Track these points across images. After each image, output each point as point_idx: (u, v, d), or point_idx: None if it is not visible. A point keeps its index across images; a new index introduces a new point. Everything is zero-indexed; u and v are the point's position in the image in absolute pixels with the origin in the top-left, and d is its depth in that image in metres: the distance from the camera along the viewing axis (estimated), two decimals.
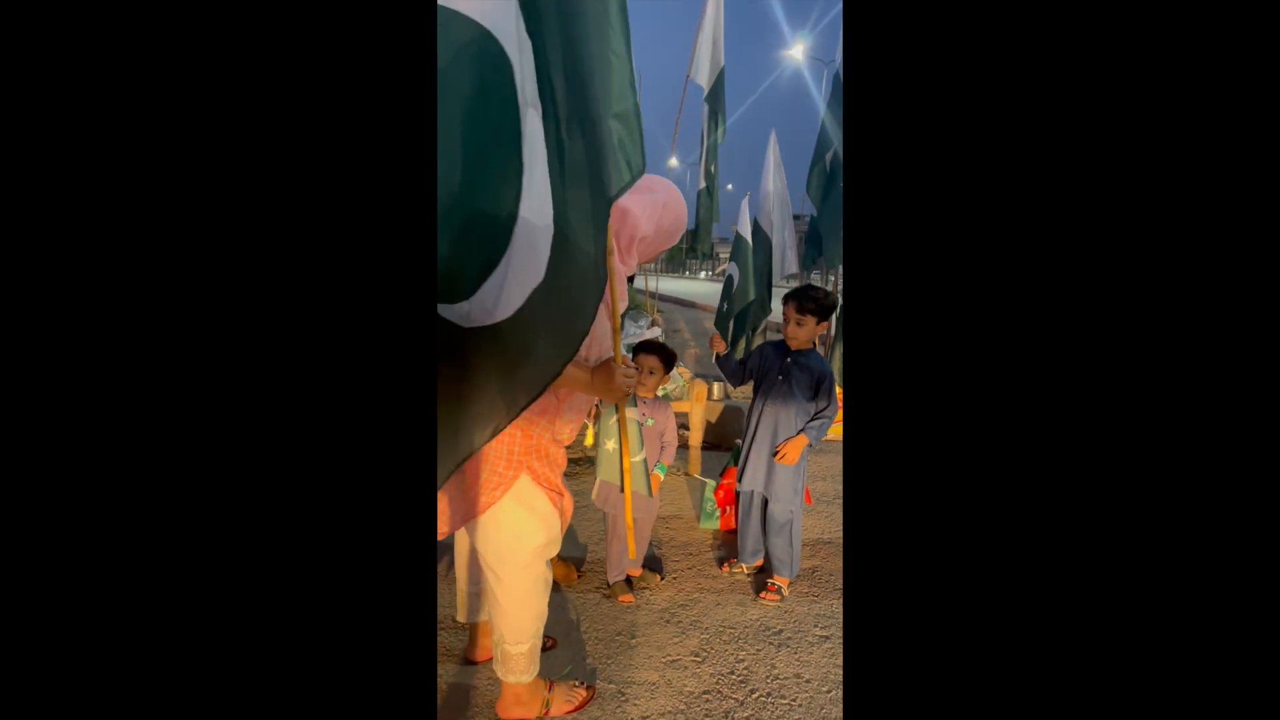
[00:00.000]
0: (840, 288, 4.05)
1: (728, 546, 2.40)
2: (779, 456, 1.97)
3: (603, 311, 1.35)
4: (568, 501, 1.47)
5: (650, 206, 1.41)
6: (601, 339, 1.38)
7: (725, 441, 3.62)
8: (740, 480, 2.10)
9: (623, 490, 1.58)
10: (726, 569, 2.19)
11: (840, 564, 2.30)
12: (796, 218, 4.28)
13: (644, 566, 2.13)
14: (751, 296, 3.68)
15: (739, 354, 3.99)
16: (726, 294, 3.89)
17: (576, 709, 1.50)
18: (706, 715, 1.51)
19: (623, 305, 1.45)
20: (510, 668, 1.43)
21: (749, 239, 3.62)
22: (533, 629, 1.42)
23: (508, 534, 1.35)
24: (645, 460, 1.71)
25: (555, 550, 1.43)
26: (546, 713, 1.47)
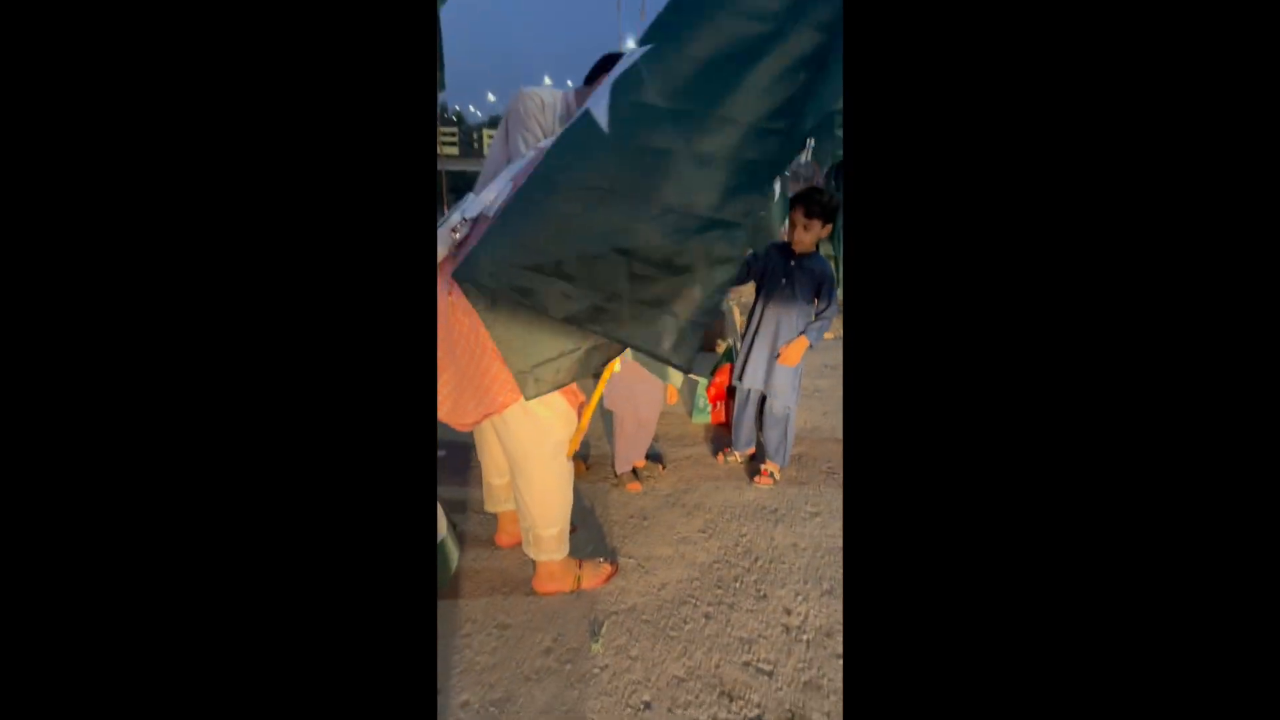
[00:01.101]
0: (820, 184, 4.06)
1: (719, 439, 2.57)
2: (780, 359, 2.09)
3: None
4: (581, 399, 1.57)
5: None
6: None
7: (708, 343, 3.75)
8: (740, 378, 2.22)
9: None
10: (721, 458, 2.37)
11: (824, 450, 2.51)
12: None
13: (647, 458, 2.29)
14: (776, 198, 3.63)
15: None
16: None
17: (605, 581, 1.68)
18: (719, 580, 1.71)
19: None
20: (543, 548, 1.59)
21: None
22: (560, 513, 1.57)
23: (531, 430, 1.46)
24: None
25: (575, 443, 1.56)
26: (579, 585, 1.65)
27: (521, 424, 1.46)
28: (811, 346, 2.09)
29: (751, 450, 2.36)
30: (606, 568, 1.71)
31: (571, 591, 1.65)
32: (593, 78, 1.82)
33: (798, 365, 2.12)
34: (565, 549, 1.62)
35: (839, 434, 2.66)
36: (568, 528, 1.61)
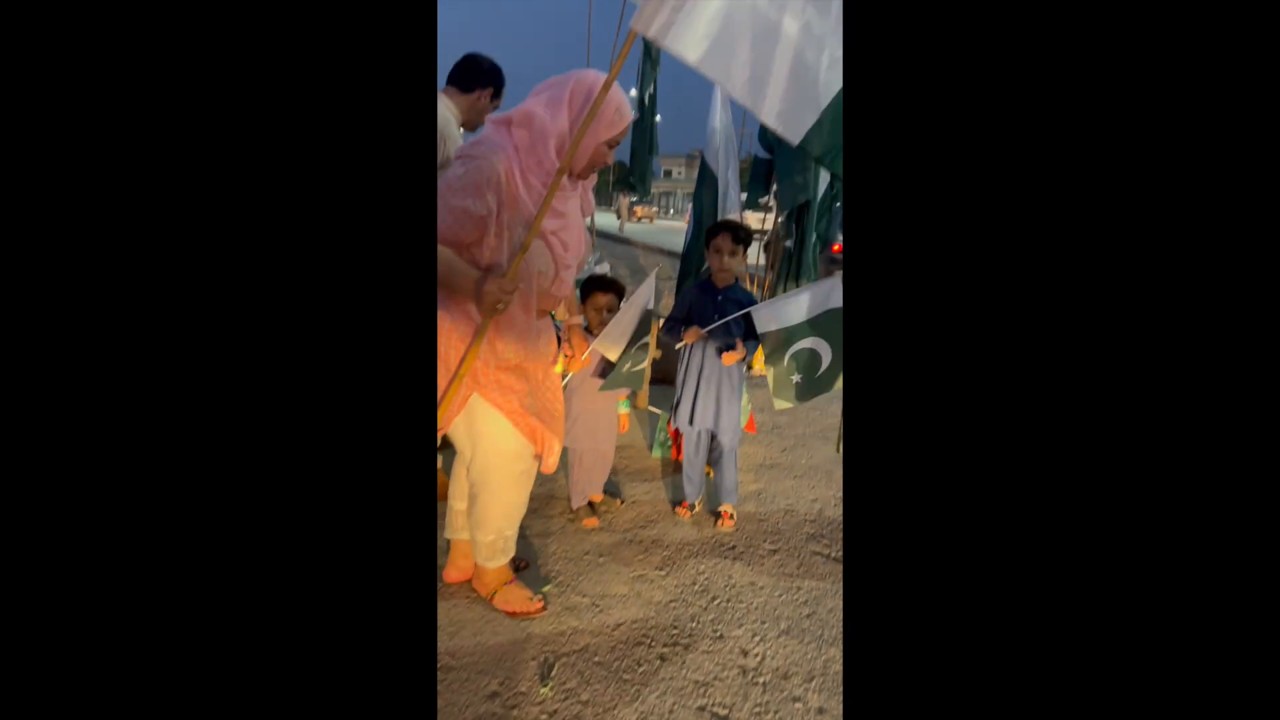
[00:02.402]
0: (778, 226, 4.16)
1: (679, 478, 2.52)
2: (724, 354, 2.04)
3: (508, 221, 1.33)
4: (540, 427, 1.52)
5: (551, 102, 1.33)
6: (509, 251, 1.35)
7: (669, 376, 3.74)
8: (691, 421, 2.14)
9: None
10: (685, 513, 2.22)
11: (782, 487, 2.51)
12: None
13: (604, 492, 2.24)
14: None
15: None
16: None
17: (515, 613, 1.63)
18: (675, 620, 1.67)
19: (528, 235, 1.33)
20: (479, 552, 1.62)
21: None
22: (495, 524, 1.57)
23: (479, 445, 1.51)
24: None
25: (525, 461, 1.55)
26: (492, 599, 1.65)
27: (463, 437, 1.51)
28: (746, 358, 2.06)
29: (702, 497, 2.30)
30: (530, 604, 1.63)
31: (490, 600, 1.65)
32: (455, 77, 1.99)
33: (737, 398, 2.12)
34: (499, 560, 1.63)
35: (797, 471, 2.67)
36: (506, 540, 1.61)
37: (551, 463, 1.59)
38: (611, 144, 1.40)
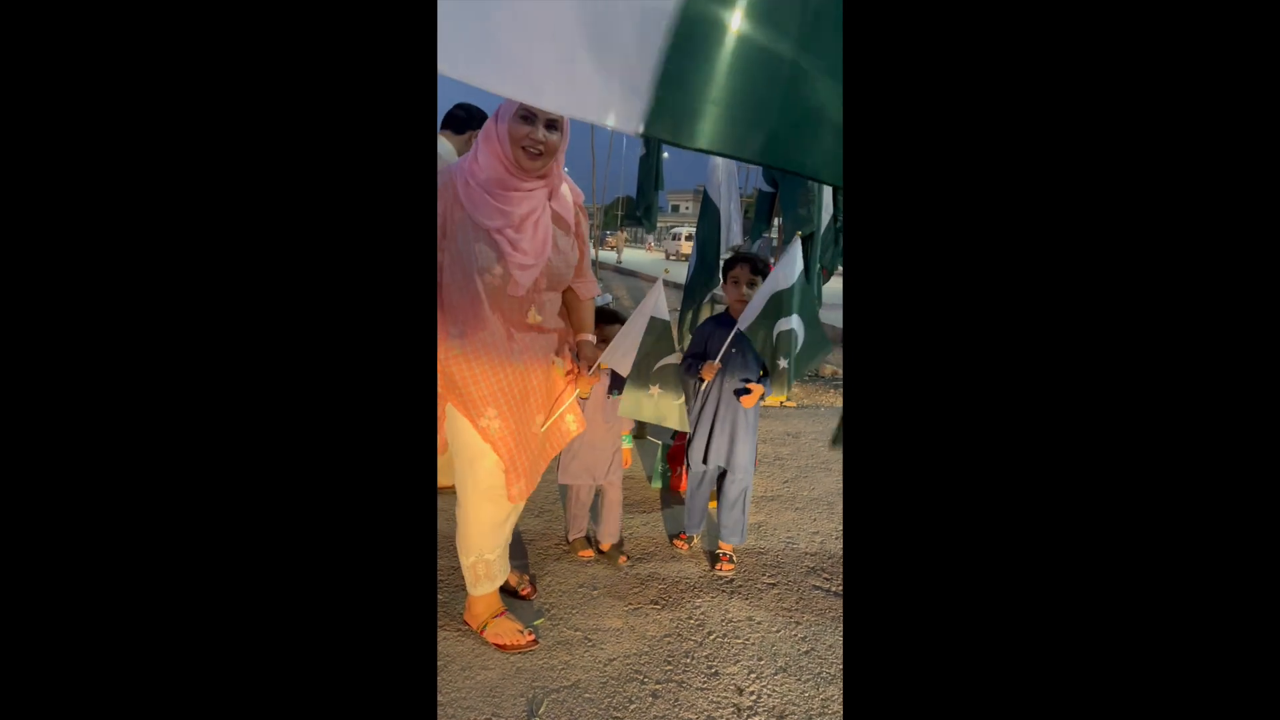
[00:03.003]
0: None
1: (678, 509, 2.49)
2: (743, 397, 2.00)
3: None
4: (518, 451, 1.48)
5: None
6: (454, 250, 1.38)
7: None
8: (705, 460, 2.09)
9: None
10: (683, 545, 2.20)
11: (783, 520, 2.47)
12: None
13: (615, 546, 2.13)
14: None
15: (687, 327, 4.00)
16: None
17: (505, 646, 1.59)
18: (669, 655, 1.62)
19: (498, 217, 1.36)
20: (465, 579, 1.61)
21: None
22: (473, 545, 1.56)
23: (455, 453, 1.50)
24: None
25: (498, 476, 1.48)
26: (482, 632, 1.62)
27: (456, 450, 1.49)
28: (766, 394, 2.03)
29: (703, 530, 2.26)
30: (521, 638, 1.60)
31: (480, 633, 1.62)
32: (448, 123, 2.31)
33: (753, 437, 2.07)
34: (483, 588, 1.61)
35: (799, 504, 2.63)
36: (487, 565, 1.58)
37: (514, 494, 1.50)
38: (525, 116, 1.30)
